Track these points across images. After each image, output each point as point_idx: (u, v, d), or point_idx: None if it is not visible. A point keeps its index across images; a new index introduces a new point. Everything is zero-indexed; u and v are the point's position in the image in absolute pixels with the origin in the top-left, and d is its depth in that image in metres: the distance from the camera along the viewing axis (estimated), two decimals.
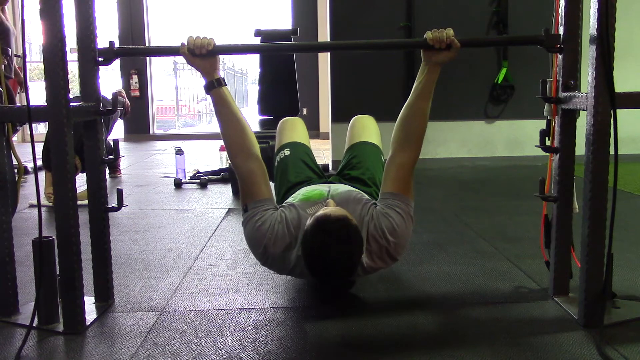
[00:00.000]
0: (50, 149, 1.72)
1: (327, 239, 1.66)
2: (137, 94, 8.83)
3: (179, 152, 4.73)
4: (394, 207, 1.84)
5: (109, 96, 2.85)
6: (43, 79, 1.68)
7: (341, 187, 2.01)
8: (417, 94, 1.86)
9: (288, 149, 2.36)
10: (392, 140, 1.91)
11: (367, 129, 2.47)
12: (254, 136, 1.94)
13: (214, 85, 1.87)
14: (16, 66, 4.83)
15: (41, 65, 1.71)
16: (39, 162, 3.87)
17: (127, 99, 5.30)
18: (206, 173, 4.82)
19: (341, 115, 5.29)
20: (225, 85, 1.90)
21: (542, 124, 2.01)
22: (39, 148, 4.10)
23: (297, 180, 2.22)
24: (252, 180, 1.88)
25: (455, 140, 5.71)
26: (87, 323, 1.80)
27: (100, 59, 1.90)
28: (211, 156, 6.24)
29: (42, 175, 4.69)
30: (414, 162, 1.88)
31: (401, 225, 1.83)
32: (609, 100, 1.64)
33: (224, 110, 1.89)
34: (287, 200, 1.98)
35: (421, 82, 1.86)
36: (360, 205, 1.88)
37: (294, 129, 2.48)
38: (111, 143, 2.16)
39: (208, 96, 1.92)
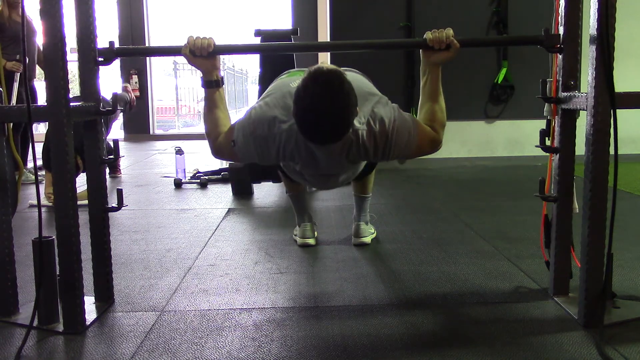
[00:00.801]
0: (50, 148, 1.72)
1: (319, 87, 1.61)
2: (137, 94, 8.82)
3: (179, 152, 4.73)
4: (409, 124, 1.82)
5: (109, 96, 2.86)
6: (43, 79, 1.68)
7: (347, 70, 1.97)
8: (427, 95, 1.89)
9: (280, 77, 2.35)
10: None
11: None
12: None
13: (212, 86, 1.89)
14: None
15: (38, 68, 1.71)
16: (39, 162, 3.87)
17: (132, 93, 5.29)
18: (206, 173, 4.81)
19: None
20: (223, 85, 1.92)
21: (542, 124, 2.01)
22: (39, 148, 4.11)
23: None
24: (230, 128, 1.91)
25: (455, 140, 5.71)
26: (87, 323, 1.80)
27: (100, 59, 1.90)
28: (211, 156, 6.23)
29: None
30: (433, 139, 1.91)
31: (405, 139, 1.81)
32: (609, 100, 1.64)
33: (214, 111, 1.92)
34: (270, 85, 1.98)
35: (426, 84, 1.88)
36: (369, 86, 1.85)
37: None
38: (111, 143, 2.16)
39: (204, 91, 1.94)
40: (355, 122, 1.77)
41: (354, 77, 1.88)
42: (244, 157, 1.91)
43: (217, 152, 1.97)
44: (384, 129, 1.77)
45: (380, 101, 1.82)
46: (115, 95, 4.72)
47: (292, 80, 1.86)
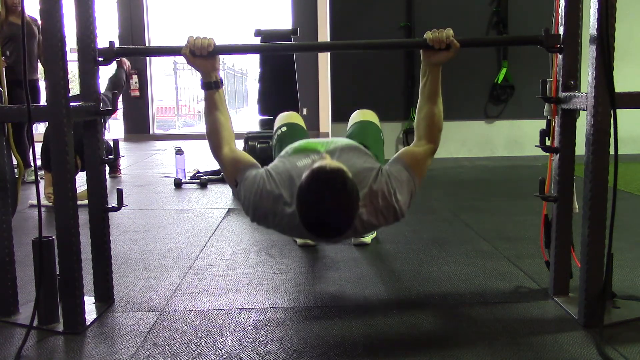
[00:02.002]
0: (49, 149, 1.72)
1: (322, 189, 1.62)
2: (137, 94, 8.82)
3: (179, 152, 4.73)
4: (405, 173, 1.82)
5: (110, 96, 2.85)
6: (43, 79, 1.68)
7: (341, 140, 1.97)
8: (426, 96, 1.88)
9: (285, 127, 2.40)
10: (415, 133, 1.94)
11: (368, 114, 2.54)
12: (234, 137, 1.96)
13: (211, 87, 1.89)
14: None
15: (41, 66, 1.71)
16: (38, 162, 3.87)
17: (127, 63, 5.19)
18: (206, 173, 4.81)
19: (341, 115, 5.29)
20: (222, 86, 1.92)
21: (542, 124, 2.01)
22: (39, 148, 4.11)
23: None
24: (237, 160, 1.89)
25: (455, 140, 5.71)
26: (87, 323, 1.80)
27: (100, 59, 1.90)
28: (211, 156, 6.23)
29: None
30: (431, 153, 1.90)
31: (408, 192, 1.81)
32: (609, 100, 1.64)
33: (215, 113, 1.91)
34: (278, 156, 1.97)
35: (426, 85, 1.87)
36: (362, 159, 1.86)
37: (290, 116, 2.55)
38: (111, 143, 2.16)
39: (204, 93, 1.93)
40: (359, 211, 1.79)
41: (350, 154, 1.88)
42: (241, 201, 1.90)
43: (219, 165, 1.96)
44: (387, 203, 1.79)
45: (377, 174, 1.82)
46: (112, 82, 4.68)
47: (300, 158, 1.86)
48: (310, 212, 1.65)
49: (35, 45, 4.72)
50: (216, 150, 1.93)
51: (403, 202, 1.79)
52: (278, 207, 1.78)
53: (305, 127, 2.53)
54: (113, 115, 4.70)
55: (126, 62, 4.96)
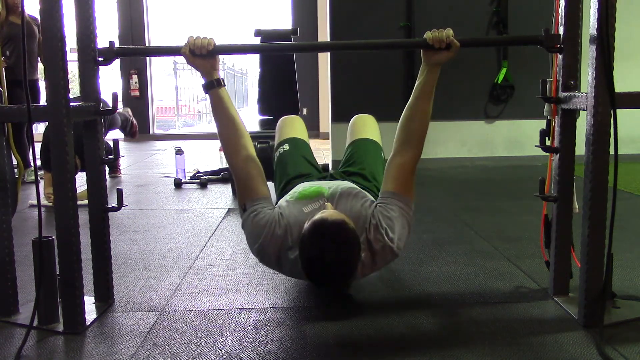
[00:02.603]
0: (49, 148, 1.72)
1: (324, 244, 1.65)
2: (137, 94, 8.83)
3: (179, 152, 4.73)
4: (395, 205, 1.84)
5: (108, 97, 2.84)
6: (43, 79, 1.68)
7: (341, 184, 2.00)
8: (418, 94, 1.87)
9: (287, 145, 2.37)
10: (395, 140, 1.92)
11: (367, 126, 2.49)
12: (250, 137, 1.95)
13: (214, 86, 1.88)
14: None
15: (41, 65, 1.71)
16: (38, 162, 3.87)
17: (132, 118, 5.19)
18: (206, 173, 4.82)
19: (341, 115, 5.28)
20: (224, 85, 1.91)
21: (542, 124, 2.01)
22: (39, 148, 4.11)
23: (296, 173, 2.23)
24: (250, 180, 1.89)
25: (455, 140, 5.71)
26: (87, 323, 1.80)
27: (100, 59, 1.90)
28: (211, 156, 6.24)
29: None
30: (415, 162, 1.88)
31: (402, 223, 1.83)
32: (609, 100, 1.64)
33: (222, 111, 1.90)
34: (284, 197, 1.98)
35: (421, 83, 1.86)
36: (360, 202, 1.88)
37: (293, 126, 2.50)
38: (110, 143, 2.16)
39: (207, 95, 1.93)
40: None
41: (350, 199, 1.88)
42: (246, 233, 1.90)
43: (230, 169, 1.96)
44: (383, 244, 1.82)
45: (370, 220, 1.82)
46: (115, 95, 4.71)
47: (305, 204, 1.87)
48: (312, 266, 1.69)
49: (36, 45, 4.72)
50: (229, 152, 1.92)
51: (398, 238, 1.82)
52: (283, 251, 1.82)
53: (306, 133, 2.49)
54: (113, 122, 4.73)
55: (132, 117, 5.04)
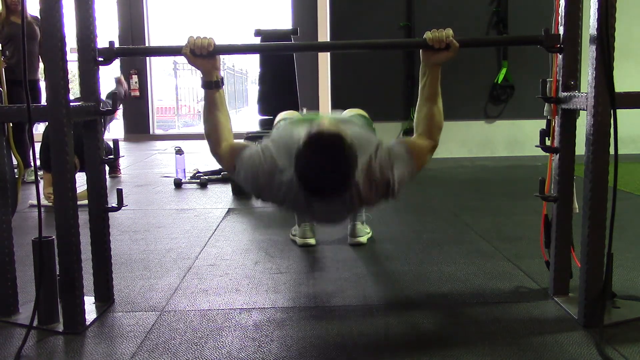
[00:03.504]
0: (48, 148, 1.73)
1: (320, 148, 1.63)
2: (137, 94, 8.82)
3: (179, 152, 4.73)
4: (404, 155, 1.83)
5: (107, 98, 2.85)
6: (43, 79, 1.68)
7: (340, 114, 1.97)
8: (426, 96, 1.88)
9: (283, 121, 2.40)
10: (415, 131, 1.95)
11: (357, 110, 2.56)
12: (232, 133, 1.97)
13: (212, 87, 1.89)
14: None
15: (41, 65, 1.71)
16: (38, 162, 3.87)
17: (125, 84, 5.19)
18: (206, 173, 4.81)
19: None
20: (222, 86, 1.92)
21: (542, 124, 2.01)
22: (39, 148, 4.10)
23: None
24: (232, 147, 1.90)
25: (455, 140, 5.71)
26: (87, 323, 1.80)
27: (100, 59, 1.90)
28: (211, 156, 6.23)
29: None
30: (430, 148, 1.90)
31: (403, 170, 1.81)
32: (609, 100, 1.64)
33: (215, 112, 1.91)
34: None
35: (426, 85, 1.87)
36: (364, 129, 1.85)
37: (291, 114, 2.57)
38: (110, 143, 2.16)
39: (203, 92, 1.93)
40: (356, 175, 1.79)
41: (351, 124, 1.88)
42: (241, 184, 1.92)
43: (218, 160, 1.97)
44: (384, 176, 1.78)
45: (377, 148, 1.82)
46: (113, 94, 4.71)
47: (296, 129, 1.86)
48: (307, 173, 1.65)
49: (37, 46, 4.71)
50: (215, 147, 1.94)
51: (398, 177, 1.78)
52: (275, 175, 1.78)
53: None
54: (113, 115, 4.71)
55: (124, 83, 4.97)
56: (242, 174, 1.84)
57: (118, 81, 4.84)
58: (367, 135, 1.85)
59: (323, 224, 2.37)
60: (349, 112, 2.57)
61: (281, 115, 2.56)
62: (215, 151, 1.93)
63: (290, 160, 1.73)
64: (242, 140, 1.96)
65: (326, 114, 1.98)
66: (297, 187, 1.70)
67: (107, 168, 2.14)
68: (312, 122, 1.81)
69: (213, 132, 1.92)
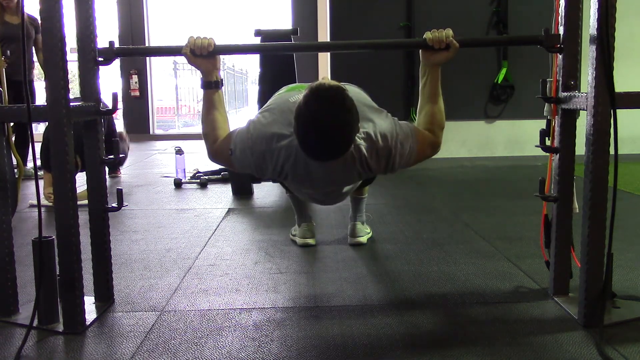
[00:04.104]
0: (49, 148, 1.73)
1: (320, 103, 1.60)
2: (137, 94, 8.82)
3: (179, 152, 4.73)
4: (410, 133, 1.82)
5: (107, 97, 2.83)
6: (43, 79, 1.68)
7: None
8: (427, 97, 1.89)
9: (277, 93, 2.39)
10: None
11: None
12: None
13: (211, 87, 1.89)
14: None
15: (38, 65, 1.71)
16: (38, 162, 3.86)
17: (127, 141, 5.02)
18: (206, 173, 4.82)
19: None
20: (222, 87, 1.92)
21: (542, 124, 2.01)
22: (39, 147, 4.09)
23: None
24: (227, 136, 1.90)
25: (455, 140, 5.71)
26: (87, 323, 1.80)
27: (100, 59, 1.90)
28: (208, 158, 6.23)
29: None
30: (434, 144, 1.91)
31: (407, 147, 1.80)
32: (609, 100, 1.64)
33: (213, 113, 1.92)
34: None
35: (426, 85, 1.87)
36: (368, 99, 1.84)
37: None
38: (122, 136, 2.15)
39: (203, 93, 1.94)
40: (356, 138, 1.76)
41: (354, 92, 1.87)
42: (240, 167, 1.90)
43: (214, 156, 1.96)
44: (387, 144, 1.77)
45: (381, 115, 1.81)
46: (115, 95, 4.68)
47: (291, 95, 1.84)
48: (307, 127, 1.62)
49: (32, 46, 4.67)
50: (212, 145, 1.93)
51: (400, 151, 1.78)
52: (272, 143, 1.76)
53: None
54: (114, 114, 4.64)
55: (126, 140, 4.89)
56: (238, 152, 1.82)
57: (120, 136, 4.79)
58: (373, 104, 1.83)
59: (322, 199, 2.30)
60: None
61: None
62: (212, 148, 1.93)
63: (289, 124, 1.70)
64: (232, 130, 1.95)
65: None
66: (297, 151, 1.67)
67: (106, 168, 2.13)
68: (311, 84, 1.77)
69: (210, 132, 1.93)
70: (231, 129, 1.97)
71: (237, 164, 1.88)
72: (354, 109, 1.65)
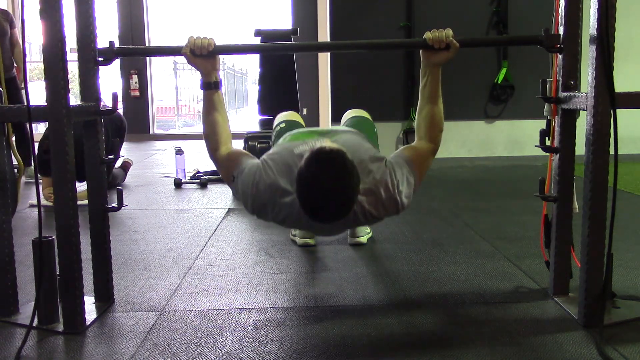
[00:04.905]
0: (44, 151, 1.72)
1: (322, 169, 1.60)
2: (137, 94, 8.82)
3: (179, 152, 4.73)
4: (407, 169, 1.82)
5: (108, 98, 2.81)
6: (43, 79, 1.68)
7: (342, 128, 1.96)
8: (426, 97, 1.88)
9: (284, 123, 2.42)
10: (416, 133, 1.95)
11: (360, 111, 2.58)
12: (231, 137, 1.97)
13: (210, 87, 1.89)
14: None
15: (41, 65, 1.71)
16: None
17: (130, 163, 4.92)
18: (206, 173, 4.81)
19: (341, 115, 5.28)
20: (221, 88, 1.92)
21: (542, 124, 2.01)
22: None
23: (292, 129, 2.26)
24: (232, 155, 1.90)
25: (455, 140, 5.71)
26: (87, 323, 1.80)
27: (100, 59, 1.90)
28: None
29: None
30: (432, 153, 1.90)
31: (409, 187, 1.80)
32: (609, 100, 1.64)
33: (213, 114, 1.91)
34: (276, 143, 1.97)
35: (426, 86, 1.87)
36: (366, 146, 1.84)
37: (290, 115, 2.58)
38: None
39: (202, 94, 1.94)
40: (359, 198, 1.77)
41: (353, 144, 1.87)
42: (238, 198, 1.90)
43: (215, 165, 1.96)
44: (390, 194, 1.77)
45: (380, 164, 1.80)
46: (115, 95, 4.63)
47: (296, 145, 1.83)
48: (309, 193, 1.63)
49: (7, 42, 4.60)
50: (213, 151, 1.93)
51: (405, 195, 1.78)
52: (276, 197, 1.76)
53: (304, 125, 2.54)
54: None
55: (129, 166, 4.85)
56: (240, 188, 1.83)
57: (124, 166, 4.77)
58: (370, 152, 1.83)
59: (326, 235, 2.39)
60: (350, 114, 2.58)
61: (280, 117, 2.56)
62: (214, 155, 1.93)
63: (291, 181, 1.71)
64: (239, 149, 1.94)
65: (326, 128, 1.95)
66: (299, 210, 1.68)
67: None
68: (312, 142, 1.80)
69: (212, 134, 1.92)
70: (233, 131, 1.97)
71: (236, 195, 1.88)
72: (355, 172, 1.66)
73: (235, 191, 1.87)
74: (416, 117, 1.96)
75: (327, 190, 1.60)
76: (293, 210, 1.73)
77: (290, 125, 2.41)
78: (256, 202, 1.80)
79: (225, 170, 1.90)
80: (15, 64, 4.73)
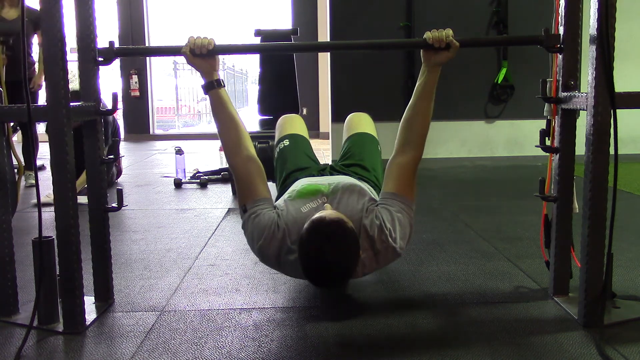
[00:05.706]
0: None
1: (322, 242, 1.64)
2: (137, 94, 8.82)
3: (179, 152, 4.73)
4: (397, 206, 1.83)
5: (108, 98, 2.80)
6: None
7: (341, 180, 1.98)
8: (419, 95, 1.87)
9: (287, 140, 2.40)
10: (396, 140, 1.92)
11: (363, 122, 2.52)
12: (249, 137, 1.95)
13: (214, 86, 1.88)
14: None
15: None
16: (39, 162, 3.84)
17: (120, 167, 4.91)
18: (206, 173, 4.82)
19: (341, 115, 5.27)
20: (224, 86, 1.91)
21: (542, 124, 2.01)
22: (43, 149, 4.10)
23: (295, 167, 2.25)
24: (250, 180, 1.89)
25: (455, 140, 5.71)
26: (87, 323, 1.80)
27: (100, 59, 1.90)
28: (211, 156, 6.24)
29: (41, 175, 4.69)
30: (416, 162, 1.88)
31: (405, 224, 1.82)
32: (609, 100, 1.64)
33: (222, 112, 1.90)
34: (283, 197, 1.97)
35: (422, 84, 1.87)
36: (361, 201, 1.86)
37: (293, 123, 2.53)
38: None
39: (207, 96, 1.93)
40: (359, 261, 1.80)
41: (350, 200, 1.86)
42: (245, 235, 1.91)
43: (231, 169, 1.96)
44: (386, 245, 1.79)
45: (372, 216, 1.81)
46: (115, 95, 4.62)
47: (304, 203, 1.85)
48: (311, 266, 1.68)
49: (29, 43, 4.48)
50: (230, 152, 1.92)
51: (401, 238, 1.81)
52: (282, 253, 1.81)
53: (307, 131, 2.51)
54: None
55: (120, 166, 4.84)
56: (249, 229, 1.85)
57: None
58: (365, 204, 1.84)
59: None
60: (352, 127, 2.47)
61: (282, 128, 2.49)
62: (231, 160, 1.92)
63: (296, 241, 1.76)
64: (260, 178, 1.90)
65: (328, 182, 1.95)
66: (302, 271, 1.73)
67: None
68: (315, 198, 1.85)
69: (225, 129, 1.90)
70: (245, 123, 1.96)
71: (243, 225, 1.88)
72: (355, 239, 1.70)
73: (242, 220, 1.89)
74: (405, 112, 1.90)
75: (328, 263, 1.65)
76: (297, 267, 1.77)
77: (293, 142, 2.37)
78: (261, 253, 1.85)
79: (240, 192, 1.91)
80: (35, 65, 4.57)
